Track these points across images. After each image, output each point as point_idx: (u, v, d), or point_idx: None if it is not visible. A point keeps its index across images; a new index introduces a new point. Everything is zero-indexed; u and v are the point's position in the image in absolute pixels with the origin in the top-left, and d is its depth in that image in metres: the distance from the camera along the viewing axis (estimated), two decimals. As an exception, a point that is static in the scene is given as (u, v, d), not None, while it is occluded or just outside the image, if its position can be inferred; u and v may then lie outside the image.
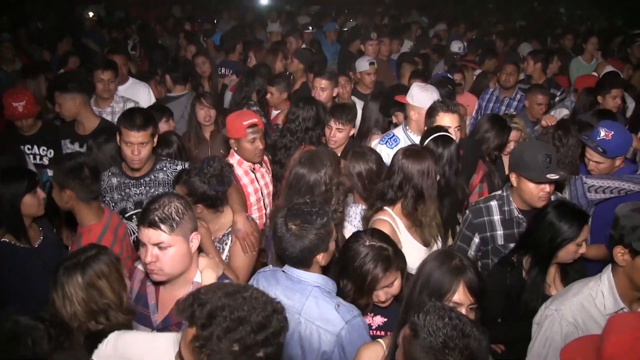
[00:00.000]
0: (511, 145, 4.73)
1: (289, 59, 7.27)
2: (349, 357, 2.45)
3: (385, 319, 2.76)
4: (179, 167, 3.83)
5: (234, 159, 4.07)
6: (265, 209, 4.19)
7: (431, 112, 4.24)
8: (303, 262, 2.57)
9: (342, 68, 8.10)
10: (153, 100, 6.00)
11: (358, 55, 8.02)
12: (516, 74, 6.65)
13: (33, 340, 1.85)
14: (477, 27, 13.07)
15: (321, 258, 2.56)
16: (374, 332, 2.75)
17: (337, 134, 4.53)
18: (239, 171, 4.03)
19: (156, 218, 2.41)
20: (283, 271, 2.65)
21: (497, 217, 3.51)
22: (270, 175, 4.39)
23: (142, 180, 3.80)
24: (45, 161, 4.98)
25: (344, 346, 2.45)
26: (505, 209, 3.49)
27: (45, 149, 4.99)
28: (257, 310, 1.74)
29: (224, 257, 3.33)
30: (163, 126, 4.72)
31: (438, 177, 3.43)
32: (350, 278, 2.63)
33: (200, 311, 1.74)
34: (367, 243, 2.62)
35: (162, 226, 2.40)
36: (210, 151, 5.13)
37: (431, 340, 1.73)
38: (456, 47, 9.35)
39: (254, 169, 4.14)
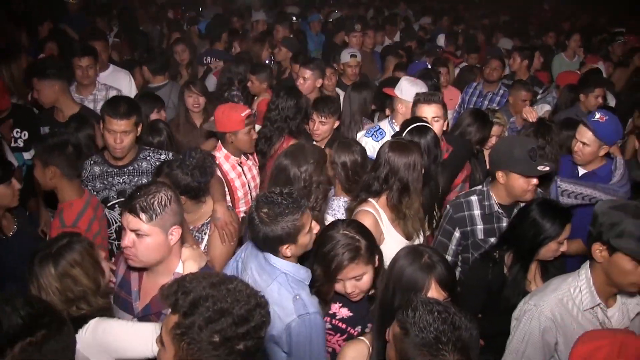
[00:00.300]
0: (493, 140, 4.77)
1: (276, 47, 7.22)
2: (295, 348, 2.51)
3: (352, 314, 2.79)
4: (163, 157, 3.82)
5: (220, 153, 4.07)
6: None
7: (413, 104, 4.27)
8: (268, 248, 2.61)
9: (326, 59, 8.07)
10: (134, 87, 5.94)
11: (342, 46, 8.01)
12: (500, 69, 6.67)
13: None
14: (462, 20, 13.11)
15: (286, 249, 2.58)
16: (337, 322, 2.79)
17: (321, 127, 4.55)
18: (225, 166, 4.04)
19: (137, 205, 2.41)
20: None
21: (477, 212, 3.55)
22: (257, 167, 4.39)
23: (125, 169, 3.77)
24: (20, 143, 4.87)
25: (292, 337, 2.50)
26: (486, 203, 3.52)
27: (19, 130, 4.87)
28: (240, 303, 1.75)
29: (202, 246, 3.34)
30: (154, 116, 4.69)
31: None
32: (320, 262, 2.65)
33: (183, 299, 1.75)
34: (341, 231, 2.63)
35: (142, 215, 2.41)
36: (200, 138, 5.08)
37: (423, 337, 1.74)
38: (442, 40, 9.39)
39: (240, 162, 4.14)
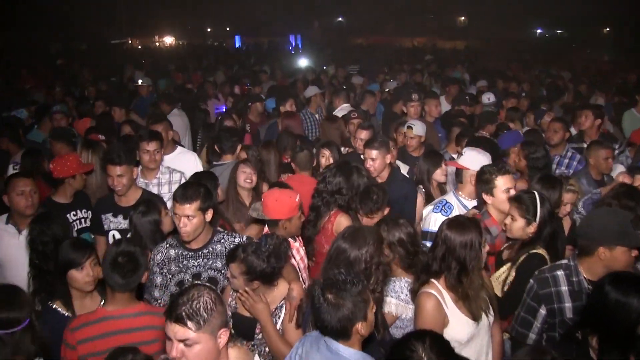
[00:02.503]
0: (568, 208, 4.64)
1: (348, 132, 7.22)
2: None
3: None
4: (237, 240, 3.86)
5: None
6: (304, 283, 4.03)
7: (485, 179, 4.14)
8: (343, 332, 2.55)
9: (386, 129, 8.05)
10: (200, 169, 5.87)
11: (402, 116, 7.96)
12: (562, 131, 6.44)
13: None
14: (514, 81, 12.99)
15: (361, 327, 2.54)
16: None
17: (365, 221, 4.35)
18: None
19: (183, 314, 2.35)
20: (325, 340, 2.63)
21: (564, 288, 3.36)
22: (304, 248, 4.31)
23: (200, 252, 3.82)
24: (87, 223, 5.04)
25: None
26: (574, 279, 3.35)
27: (86, 210, 5.07)
28: None
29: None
30: None
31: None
32: None
33: None
34: (422, 354, 2.29)
35: (189, 323, 2.35)
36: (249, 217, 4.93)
37: None
38: (485, 98, 9.36)
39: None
